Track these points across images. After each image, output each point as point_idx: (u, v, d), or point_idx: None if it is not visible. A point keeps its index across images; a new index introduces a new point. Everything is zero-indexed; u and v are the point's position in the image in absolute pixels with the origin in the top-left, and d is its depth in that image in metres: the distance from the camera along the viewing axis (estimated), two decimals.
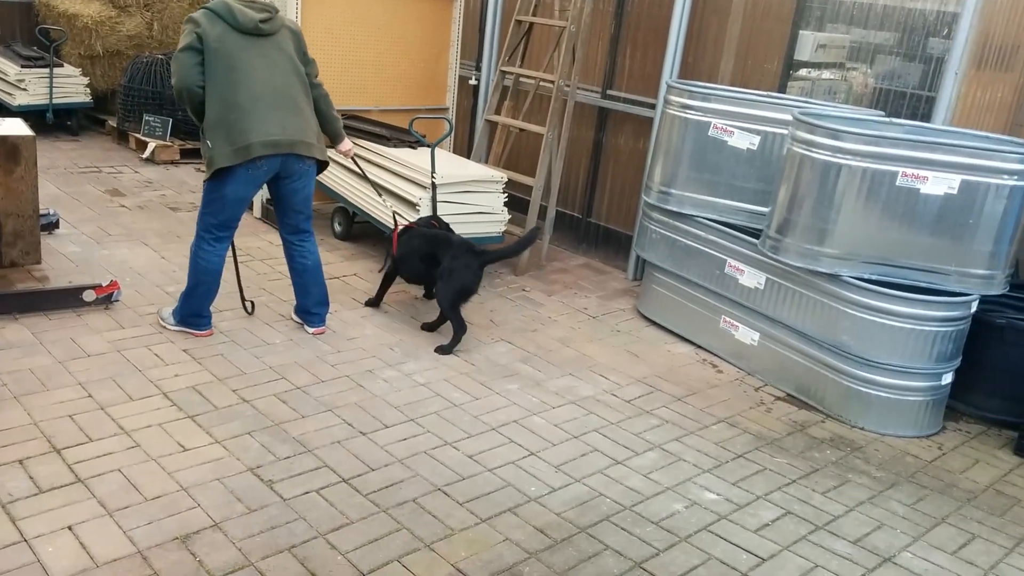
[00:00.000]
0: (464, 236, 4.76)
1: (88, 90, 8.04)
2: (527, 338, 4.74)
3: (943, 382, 4.13)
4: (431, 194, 5.06)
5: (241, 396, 3.76)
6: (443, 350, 4.41)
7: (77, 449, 3.24)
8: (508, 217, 5.43)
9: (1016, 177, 3.87)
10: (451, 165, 5.43)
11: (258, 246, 5.64)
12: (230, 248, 4.29)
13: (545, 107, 5.82)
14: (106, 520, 2.87)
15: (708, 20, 5.58)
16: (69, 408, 3.51)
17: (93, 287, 4.42)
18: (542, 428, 3.81)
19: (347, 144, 4.48)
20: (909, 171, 3.90)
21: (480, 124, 6.40)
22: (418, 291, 5.14)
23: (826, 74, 5.24)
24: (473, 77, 6.99)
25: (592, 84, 6.25)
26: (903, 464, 3.86)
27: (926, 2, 4.70)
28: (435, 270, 4.49)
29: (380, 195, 5.10)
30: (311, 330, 4.46)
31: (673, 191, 4.88)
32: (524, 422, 3.84)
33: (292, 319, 4.56)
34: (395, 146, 5.61)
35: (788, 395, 4.39)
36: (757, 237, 4.43)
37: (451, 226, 4.89)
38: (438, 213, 5.05)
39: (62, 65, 7.94)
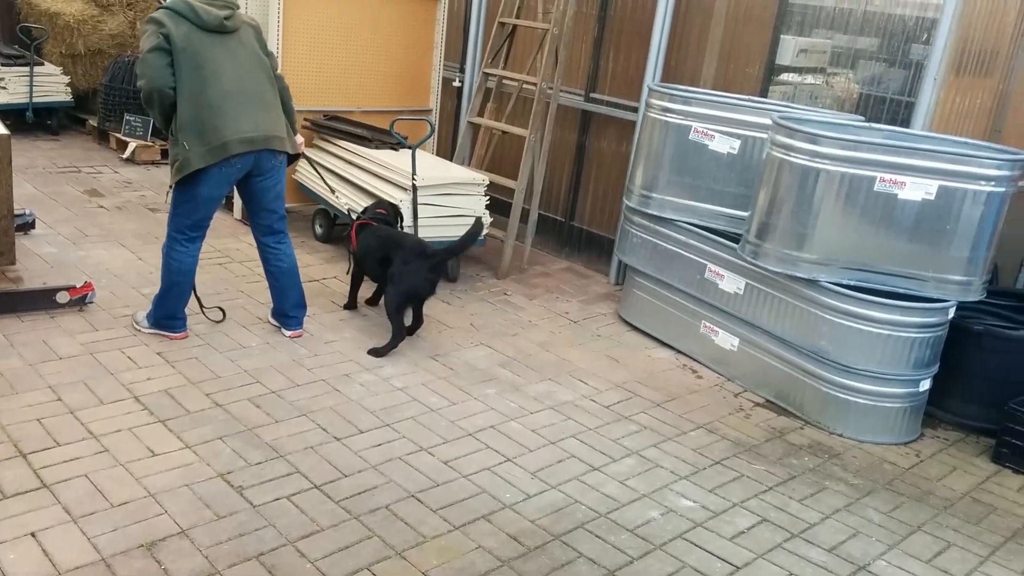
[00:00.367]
0: (421, 237, 4.68)
1: (69, 89, 7.96)
2: (507, 342, 4.71)
3: (921, 389, 4.12)
4: (412, 196, 5.03)
5: (214, 400, 3.72)
6: (376, 352, 4.32)
7: (44, 454, 3.19)
8: (490, 220, 5.40)
9: (994, 183, 3.86)
10: (432, 167, 5.40)
11: (237, 248, 5.59)
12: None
13: (528, 109, 5.79)
14: (70, 526, 2.82)
15: (691, 24, 5.57)
16: (38, 412, 3.46)
17: (67, 288, 4.37)
18: (519, 434, 3.78)
19: (299, 138, 4.43)
20: (887, 176, 3.89)
21: (463, 126, 6.37)
22: None
23: (808, 79, 5.23)
24: (457, 79, 6.96)
25: (575, 87, 6.23)
26: (880, 471, 3.85)
27: (906, 8, 4.70)
28: (389, 270, 4.42)
29: (333, 192, 5.12)
30: (288, 333, 4.42)
31: (654, 195, 4.87)
32: (501, 427, 3.81)
33: (269, 322, 4.52)
34: (376, 147, 5.58)
35: (767, 401, 4.37)
36: (737, 242, 4.42)
37: (401, 210, 4.91)
38: (419, 216, 5.02)
39: (43, 64, 7.86)
